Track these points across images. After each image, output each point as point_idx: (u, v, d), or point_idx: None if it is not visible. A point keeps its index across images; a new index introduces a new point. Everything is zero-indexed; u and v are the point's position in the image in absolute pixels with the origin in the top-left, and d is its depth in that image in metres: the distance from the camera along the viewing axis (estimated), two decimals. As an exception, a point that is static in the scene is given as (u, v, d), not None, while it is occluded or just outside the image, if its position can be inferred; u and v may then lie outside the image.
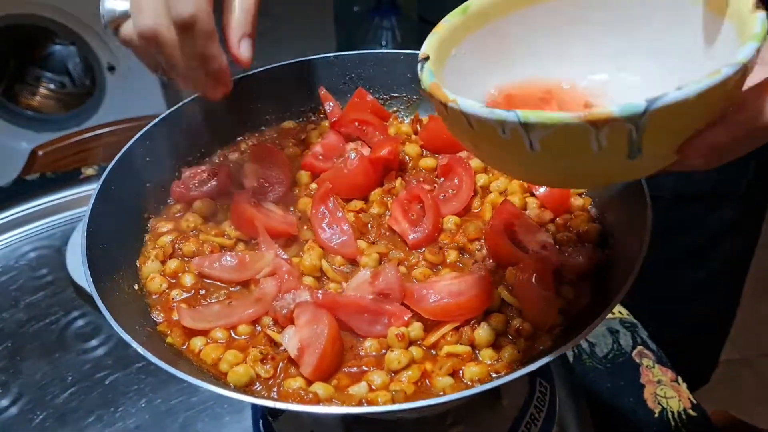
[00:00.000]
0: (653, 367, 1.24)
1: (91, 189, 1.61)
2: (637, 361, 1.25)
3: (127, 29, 0.76)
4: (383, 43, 3.01)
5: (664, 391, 1.20)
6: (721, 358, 1.68)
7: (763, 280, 2.74)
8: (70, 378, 1.17)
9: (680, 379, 1.20)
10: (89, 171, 1.74)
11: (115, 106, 2.98)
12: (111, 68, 2.95)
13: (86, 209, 0.76)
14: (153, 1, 0.69)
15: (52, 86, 3.36)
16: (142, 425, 1.08)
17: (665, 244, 1.41)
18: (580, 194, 0.85)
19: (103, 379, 1.16)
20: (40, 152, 1.90)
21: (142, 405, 1.11)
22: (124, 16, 0.76)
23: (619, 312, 1.34)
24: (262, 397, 0.66)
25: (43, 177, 1.77)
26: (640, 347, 1.28)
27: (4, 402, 1.16)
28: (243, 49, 0.73)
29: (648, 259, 1.45)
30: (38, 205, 1.56)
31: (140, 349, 0.62)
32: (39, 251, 1.48)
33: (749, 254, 1.50)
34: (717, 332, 1.62)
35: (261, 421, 0.86)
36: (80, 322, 1.29)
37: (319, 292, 0.70)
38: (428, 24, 0.66)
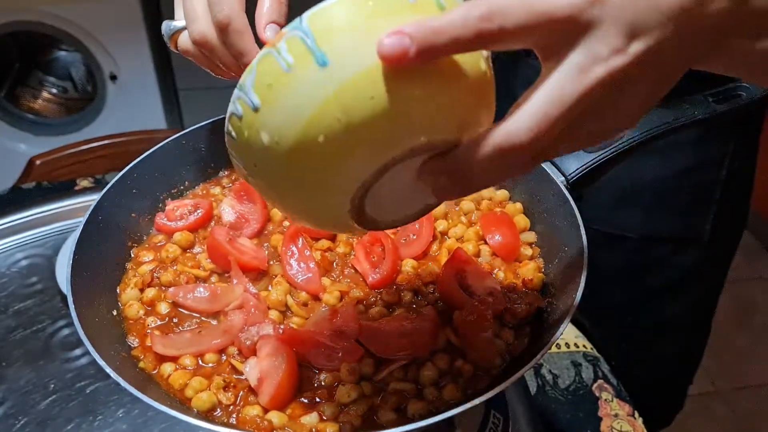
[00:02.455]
0: (611, 401, 1.30)
1: (85, 200, 1.67)
2: (597, 394, 1.31)
3: (183, 40, 0.84)
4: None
5: (620, 424, 1.26)
6: (694, 391, 1.72)
7: (739, 312, 2.82)
8: (52, 385, 1.22)
9: (637, 414, 1.26)
10: (84, 183, 1.80)
11: (114, 115, 3.04)
12: (113, 77, 3.01)
13: (73, 237, 0.83)
14: (200, 10, 0.78)
15: (54, 91, 3.42)
16: (119, 435, 1.14)
17: (632, 283, 1.46)
18: (530, 245, 0.92)
19: (84, 388, 1.21)
20: (38, 161, 1.96)
21: (120, 415, 1.16)
22: (181, 29, 0.84)
23: (584, 345, 1.41)
24: (222, 423, 0.73)
25: (39, 186, 1.82)
26: (600, 381, 1.34)
27: (-10, 406, 1.21)
28: (268, 34, 0.77)
29: (614, 296, 1.50)
30: (33, 214, 1.61)
31: (113, 374, 0.69)
32: (31, 259, 1.52)
33: (713, 300, 1.54)
34: (680, 374, 1.65)
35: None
36: (66, 331, 1.34)
37: (281, 326, 0.77)
38: None
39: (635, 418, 1.26)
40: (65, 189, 1.77)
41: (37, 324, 1.34)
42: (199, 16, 0.78)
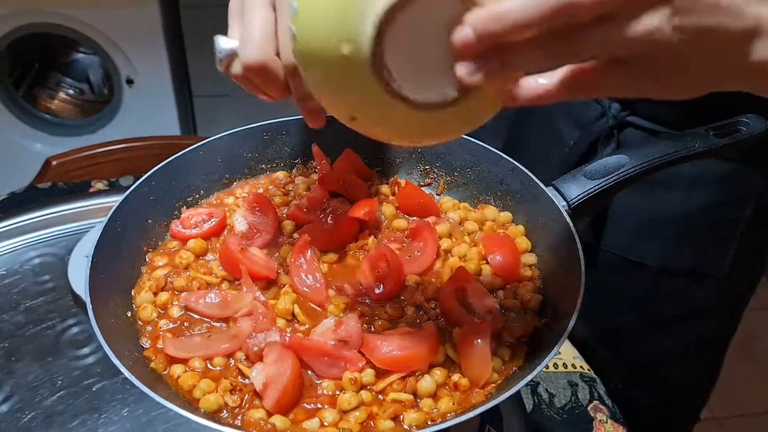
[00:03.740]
0: (606, 422, 1.32)
1: (99, 202, 1.70)
2: (592, 414, 1.32)
3: (236, 67, 0.78)
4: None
5: (615, 445, 1.28)
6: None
7: (743, 342, 2.82)
8: (60, 382, 1.24)
9: (630, 437, 1.27)
10: (99, 185, 1.84)
11: (129, 118, 3.08)
12: (129, 81, 3.04)
13: (86, 237, 0.86)
14: (258, 35, 0.72)
15: (71, 92, 3.47)
16: (122, 433, 1.17)
17: (645, 310, 1.45)
18: (530, 266, 0.96)
19: (91, 386, 1.23)
20: (54, 162, 2.00)
21: (125, 414, 1.19)
22: (233, 54, 0.77)
23: (581, 366, 1.43)
24: (228, 423, 0.76)
25: (54, 186, 1.85)
26: (596, 402, 1.35)
27: (-4, 399, 1.24)
28: None
29: (626, 320, 1.50)
30: (48, 213, 1.62)
31: (126, 373, 0.72)
32: (44, 258, 1.54)
33: (726, 335, 1.52)
34: (687, 405, 1.63)
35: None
36: (75, 330, 1.36)
37: (287, 334, 0.81)
38: None
39: (629, 440, 1.29)
40: (80, 190, 1.80)
41: (47, 321, 1.36)
42: (255, 39, 0.71)
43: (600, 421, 1.32)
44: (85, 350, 1.31)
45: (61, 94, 3.44)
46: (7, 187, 1.81)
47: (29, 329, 1.35)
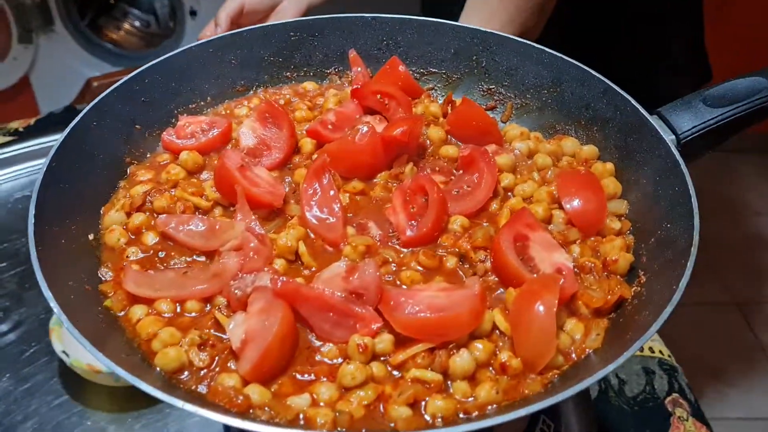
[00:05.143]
0: (686, 420, 1.10)
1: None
2: (670, 409, 1.11)
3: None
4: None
5: (695, 450, 1.06)
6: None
7: None
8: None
9: (715, 441, 1.05)
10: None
11: (190, 51, 2.96)
12: (193, 13, 2.94)
13: (56, 141, 0.68)
14: None
15: (137, 24, 3.40)
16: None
17: None
18: (619, 217, 0.72)
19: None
20: (95, 83, 1.88)
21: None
22: None
23: (660, 352, 1.20)
24: (189, 388, 0.57)
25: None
26: (675, 395, 1.13)
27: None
28: None
29: None
30: None
31: (56, 308, 0.53)
32: None
33: None
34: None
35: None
36: None
37: (281, 278, 0.60)
38: None
39: (713, 446, 1.06)
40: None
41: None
42: None
43: (679, 417, 1.09)
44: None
45: (126, 25, 3.37)
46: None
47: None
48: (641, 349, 1.17)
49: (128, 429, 1.02)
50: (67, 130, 0.69)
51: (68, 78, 3.02)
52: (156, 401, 0.51)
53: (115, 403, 1.03)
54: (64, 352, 1.00)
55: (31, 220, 0.60)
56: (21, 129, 1.51)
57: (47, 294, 0.54)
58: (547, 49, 0.83)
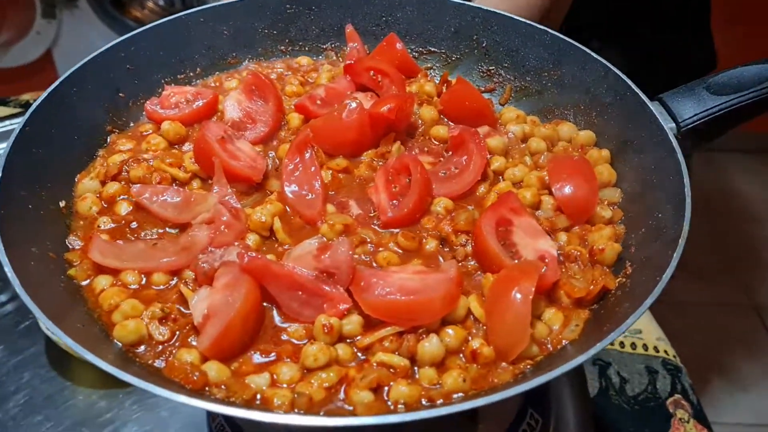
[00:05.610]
0: (687, 422, 1.07)
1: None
2: (671, 410, 1.08)
3: None
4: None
5: (695, 452, 1.03)
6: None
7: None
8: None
9: (716, 444, 1.01)
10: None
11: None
12: (216, -8, 2.91)
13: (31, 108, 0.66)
14: None
15: (161, 2, 3.39)
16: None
17: None
18: (611, 205, 0.68)
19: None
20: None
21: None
22: None
23: (665, 351, 1.16)
24: (146, 362, 0.55)
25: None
26: (677, 396, 1.10)
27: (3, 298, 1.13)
28: None
29: None
30: None
31: (9, 271, 0.52)
32: None
33: None
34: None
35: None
36: None
37: (249, 254, 0.58)
38: None
39: (714, 450, 1.02)
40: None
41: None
42: None
43: (680, 419, 1.06)
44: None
45: (150, 4, 3.37)
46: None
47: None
48: (645, 348, 1.13)
49: (119, 405, 1.01)
50: (44, 94, 0.68)
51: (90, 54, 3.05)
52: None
53: (105, 379, 1.02)
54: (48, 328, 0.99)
55: (-6, 183, 0.59)
56: (31, 101, 1.51)
57: (3, 259, 0.53)
58: (549, 30, 0.79)
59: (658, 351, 1.16)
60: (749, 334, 2.41)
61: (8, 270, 0.52)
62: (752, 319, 2.45)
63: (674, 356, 1.15)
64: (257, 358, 0.56)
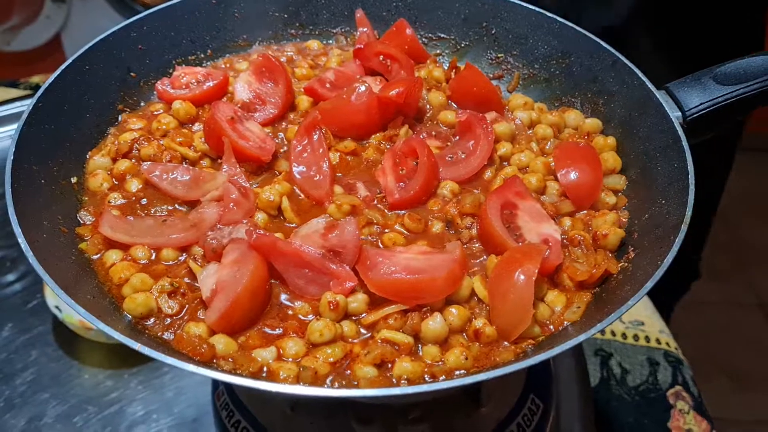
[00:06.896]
0: (688, 413, 1.07)
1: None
2: (671, 402, 1.09)
3: None
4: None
5: (693, 442, 1.04)
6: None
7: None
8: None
9: (715, 437, 1.02)
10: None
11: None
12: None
13: (44, 85, 0.67)
14: None
15: (170, -13, 3.40)
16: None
17: None
18: (616, 192, 0.69)
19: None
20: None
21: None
22: None
23: (667, 344, 1.17)
24: (155, 334, 0.56)
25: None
26: (678, 387, 1.10)
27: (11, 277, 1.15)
28: None
29: None
30: None
31: (24, 244, 0.53)
32: None
33: None
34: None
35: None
36: None
37: (257, 231, 0.59)
38: None
39: (712, 441, 1.03)
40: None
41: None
42: None
43: (680, 410, 1.07)
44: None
45: (160, -10, 3.37)
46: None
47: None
48: (647, 340, 1.14)
49: (125, 385, 1.02)
50: (58, 71, 0.68)
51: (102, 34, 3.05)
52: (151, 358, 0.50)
53: (111, 359, 1.03)
54: (57, 307, 1.00)
55: (11, 157, 0.60)
56: (41, 84, 1.52)
57: (17, 230, 0.54)
58: (559, 19, 0.80)
59: (660, 343, 1.16)
60: (755, 332, 2.41)
61: (21, 241, 0.53)
62: (758, 316, 2.46)
63: (676, 348, 1.16)
64: (264, 332, 0.57)
